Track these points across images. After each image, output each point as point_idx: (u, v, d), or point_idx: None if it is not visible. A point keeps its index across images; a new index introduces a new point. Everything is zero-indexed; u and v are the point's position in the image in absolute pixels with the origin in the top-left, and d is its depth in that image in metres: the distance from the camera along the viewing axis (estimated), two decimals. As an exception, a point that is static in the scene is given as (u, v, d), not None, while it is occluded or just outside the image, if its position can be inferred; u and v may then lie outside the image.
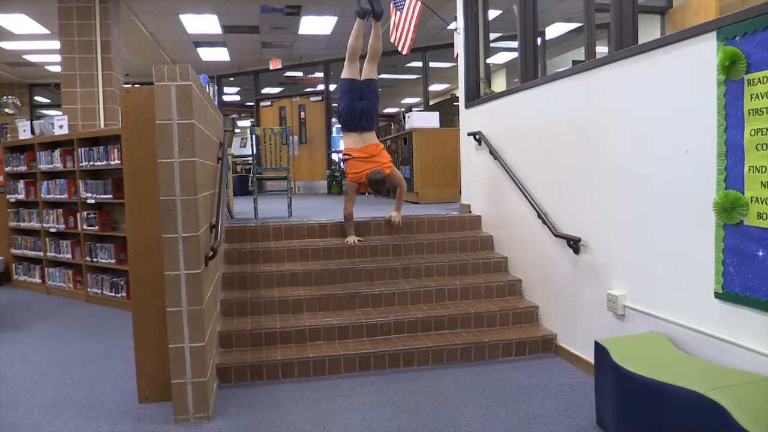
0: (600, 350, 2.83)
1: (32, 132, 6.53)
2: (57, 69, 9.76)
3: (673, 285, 2.91)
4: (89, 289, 5.83)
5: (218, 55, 11.27)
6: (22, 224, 6.58)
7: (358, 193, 5.39)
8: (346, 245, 4.67)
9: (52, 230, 6.15)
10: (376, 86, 5.07)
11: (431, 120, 7.71)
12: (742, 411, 1.96)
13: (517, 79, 4.67)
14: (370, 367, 3.74)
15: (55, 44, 8.00)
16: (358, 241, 4.72)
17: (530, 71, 4.55)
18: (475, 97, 5.48)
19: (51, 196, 6.14)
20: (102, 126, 7.41)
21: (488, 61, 5.82)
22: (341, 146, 5.41)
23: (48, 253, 6.27)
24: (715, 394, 2.09)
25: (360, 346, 3.82)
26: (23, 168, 6.51)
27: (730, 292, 2.52)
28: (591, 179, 3.57)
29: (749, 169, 2.38)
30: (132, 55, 10.50)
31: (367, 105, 4.95)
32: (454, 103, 10.87)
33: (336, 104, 6.33)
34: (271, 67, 11.82)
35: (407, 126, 7.90)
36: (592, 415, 2.98)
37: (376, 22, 5.00)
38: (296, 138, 11.61)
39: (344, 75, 5.00)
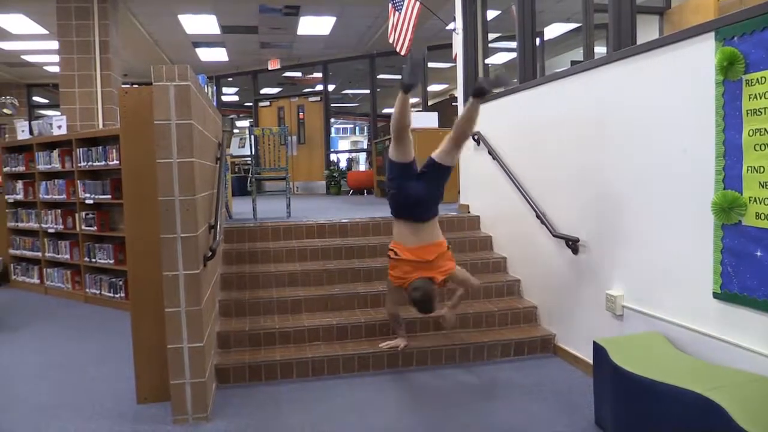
0: (599, 350, 2.83)
1: (30, 132, 6.52)
2: (55, 69, 9.73)
3: (671, 285, 2.91)
4: (87, 290, 5.81)
5: (217, 55, 11.25)
6: (21, 224, 6.57)
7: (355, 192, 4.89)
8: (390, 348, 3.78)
9: (51, 231, 6.14)
10: (446, 175, 3.73)
11: (430, 120, 7.71)
12: (741, 411, 1.96)
13: (515, 80, 4.67)
14: (369, 368, 3.74)
15: (54, 44, 7.97)
16: (405, 346, 3.76)
17: (529, 71, 4.55)
18: (473, 98, 5.47)
19: (49, 196, 6.13)
20: (100, 126, 7.39)
21: (487, 61, 5.82)
22: (338, 147, 5.28)
23: (46, 254, 6.26)
24: (714, 394, 2.10)
25: (359, 346, 3.82)
26: (21, 168, 6.49)
27: (728, 292, 2.52)
28: (589, 179, 3.57)
29: (747, 170, 2.38)
30: (130, 55, 10.47)
31: (425, 191, 3.64)
32: (453, 104, 10.83)
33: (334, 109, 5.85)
34: (269, 68, 11.80)
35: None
36: (591, 415, 2.98)
37: (474, 100, 3.58)
38: (295, 138, 11.60)
39: (393, 156, 3.68)
